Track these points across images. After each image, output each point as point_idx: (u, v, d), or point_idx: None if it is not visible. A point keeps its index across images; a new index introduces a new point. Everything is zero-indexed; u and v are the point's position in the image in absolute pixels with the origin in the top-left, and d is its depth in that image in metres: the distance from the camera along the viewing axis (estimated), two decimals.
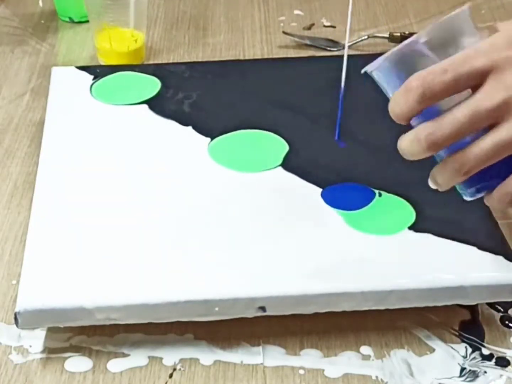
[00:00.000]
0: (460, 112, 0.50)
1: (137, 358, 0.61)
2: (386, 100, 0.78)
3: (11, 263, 0.68)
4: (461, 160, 0.51)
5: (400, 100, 0.51)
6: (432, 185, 0.55)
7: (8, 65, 0.92)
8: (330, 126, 0.76)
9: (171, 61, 0.93)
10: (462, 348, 0.62)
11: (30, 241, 0.64)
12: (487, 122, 0.50)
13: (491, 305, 0.65)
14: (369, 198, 0.68)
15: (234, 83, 0.81)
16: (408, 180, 0.70)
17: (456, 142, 0.51)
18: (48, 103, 0.78)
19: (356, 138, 0.74)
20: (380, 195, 0.68)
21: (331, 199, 0.68)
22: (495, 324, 0.64)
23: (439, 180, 0.54)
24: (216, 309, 0.60)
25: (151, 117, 0.76)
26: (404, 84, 0.51)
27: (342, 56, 0.91)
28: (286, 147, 0.73)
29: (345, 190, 0.69)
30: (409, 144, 0.52)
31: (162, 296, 0.60)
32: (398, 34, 0.94)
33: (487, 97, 0.50)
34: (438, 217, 0.66)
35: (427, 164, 0.71)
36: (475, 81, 0.50)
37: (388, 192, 0.68)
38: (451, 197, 0.68)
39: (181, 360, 0.61)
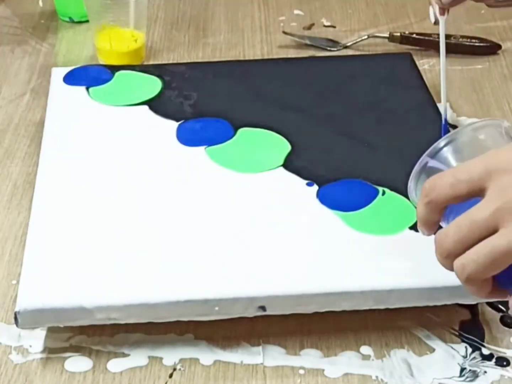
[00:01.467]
0: (462, 222, 0.50)
1: (137, 358, 0.61)
2: (387, 99, 0.79)
3: (11, 263, 0.68)
4: (460, 263, 0.50)
5: (419, 208, 0.53)
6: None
7: (8, 65, 0.92)
8: (330, 125, 0.76)
9: (171, 61, 0.93)
10: (462, 348, 0.62)
11: (30, 241, 0.64)
12: (487, 231, 0.49)
13: (491, 305, 0.65)
14: (372, 197, 0.68)
15: (234, 83, 0.81)
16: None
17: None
18: (48, 103, 0.78)
19: (358, 138, 0.74)
20: (383, 193, 0.68)
21: (330, 199, 0.67)
22: (495, 324, 0.64)
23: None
24: (216, 308, 0.60)
25: (151, 117, 0.76)
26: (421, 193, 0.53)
27: (342, 56, 0.92)
28: (288, 147, 0.73)
29: (347, 188, 0.69)
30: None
31: (162, 296, 0.60)
32: (398, 34, 0.94)
33: (482, 205, 0.50)
34: None
35: None
36: (475, 188, 0.50)
37: (391, 190, 0.68)
38: None
39: (181, 360, 0.61)
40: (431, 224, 0.53)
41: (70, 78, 0.81)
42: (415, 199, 0.56)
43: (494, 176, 0.50)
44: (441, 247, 0.51)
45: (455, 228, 0.50)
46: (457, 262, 0.50)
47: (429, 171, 0.55)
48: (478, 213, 0.50)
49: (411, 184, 0.56)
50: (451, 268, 0.51)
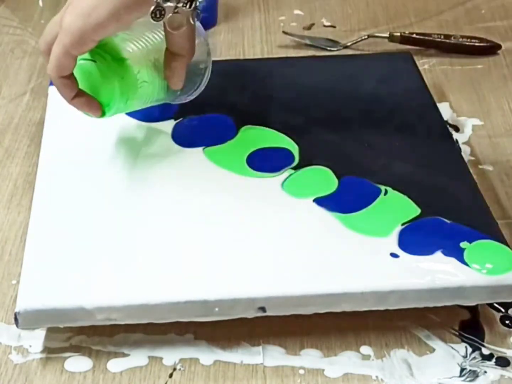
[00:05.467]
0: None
1: (137, 358, 0.61)
2: (387, 99, 0.79)
3: (11, 263, 0.68)
4: (47, 68, 0.65)
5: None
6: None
7: (8, 65, 0.92)
8: (330, 125, 0.76)
9: None
10: (462, 348, 0.62)
11: (30, 241, 0.64)
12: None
13: (491, 305, 0.65)
14: (373, 196, 0.68)
15: (234, 83, 0.81)
16: (413, 179, 0.70)
17: None
18: (48, 103, 0.78)
19: (358, 137, 0.74)
20: (386, 193, 0.68)
21: (328, 200, 0.67)
22: (495, 324, 0.64)
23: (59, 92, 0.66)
24: (216, 309, 0.60)
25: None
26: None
27: (342, 56, 0.92)
28: (295, 148, 0.73)
29: (347, 188, 0.69)
30: None
31: (162, 296, 0.60)
32: (398, 34, 0.94)
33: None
34: (440, 217, 0.66)
35: (432, 163, 0.72)
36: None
37: (394, 189, 0.68)
38: (454, 198, 0.68)
39: (181, 360, 0.61)
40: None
41: None
42: None
43: None
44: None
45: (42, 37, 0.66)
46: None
47: None
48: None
49: None
50: None
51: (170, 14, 0.63)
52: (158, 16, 0.63)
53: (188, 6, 0.63)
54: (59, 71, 0.64)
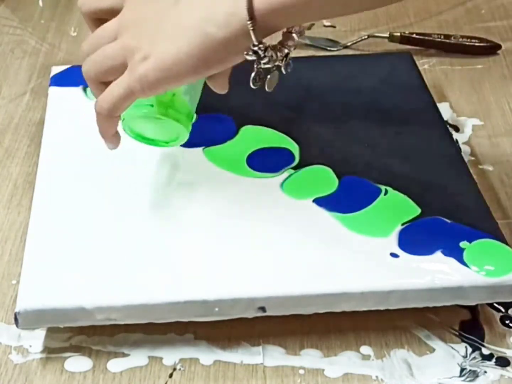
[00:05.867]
0: (97, 55, 0.60)
1: (137, 358, 0.61)
2: (387, 99, 0.79)
3: (11, 263, 0.68)
4: (99, 104, 0.60)
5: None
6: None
7: (8, 65, 0.92)
8: (330, 125, 0.76)
9: None
10: (462, 348, 0.62)
11: (30, 241, 0.64)
12: (117, 61, 0.59)
13: (491, 305, 0.65)
14: (373, 196, 0.68)
15: (234, 82, 0.81)
16: (413, 179, 0.70)
17: None
18: (48, 103, 0.78)
19: (358, 138, 0.74)
20: (386, 193, 0.68)
21: (328, 201, 0.67)
22: (495, 324, 0.64)
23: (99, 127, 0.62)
24: (216, 309, 0.60)
25: None
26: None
27: (342, 56, 0.92)
28: (296, 148, 0.73)
29: (347, 188, 0.69)
30: None
31: (162, 296, 0.60)
32: (398, 34, 0.94)
33: (112, 44, 0.60)
34: (440, 217, 0.66)
35: (432, 163, 0.72)
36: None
37: (394, 189, 0.68)
38: (454, 198, 0.68)
39: (181, 360, 0.61)
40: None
41: (68, 78, 0.81)
42: None
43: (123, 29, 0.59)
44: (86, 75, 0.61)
45: (91, 62, 0.60)
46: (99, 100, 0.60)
47: None
48: (109, 48, 0.59)
49: None
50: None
51: (269, 76, 0.59)
52: (257, 80, 0.59)
53: (283, 60, 0.59)
54: (114, 111, 0.60)
